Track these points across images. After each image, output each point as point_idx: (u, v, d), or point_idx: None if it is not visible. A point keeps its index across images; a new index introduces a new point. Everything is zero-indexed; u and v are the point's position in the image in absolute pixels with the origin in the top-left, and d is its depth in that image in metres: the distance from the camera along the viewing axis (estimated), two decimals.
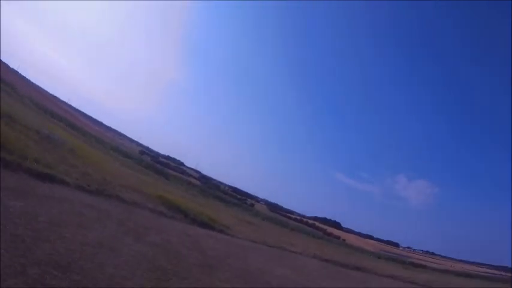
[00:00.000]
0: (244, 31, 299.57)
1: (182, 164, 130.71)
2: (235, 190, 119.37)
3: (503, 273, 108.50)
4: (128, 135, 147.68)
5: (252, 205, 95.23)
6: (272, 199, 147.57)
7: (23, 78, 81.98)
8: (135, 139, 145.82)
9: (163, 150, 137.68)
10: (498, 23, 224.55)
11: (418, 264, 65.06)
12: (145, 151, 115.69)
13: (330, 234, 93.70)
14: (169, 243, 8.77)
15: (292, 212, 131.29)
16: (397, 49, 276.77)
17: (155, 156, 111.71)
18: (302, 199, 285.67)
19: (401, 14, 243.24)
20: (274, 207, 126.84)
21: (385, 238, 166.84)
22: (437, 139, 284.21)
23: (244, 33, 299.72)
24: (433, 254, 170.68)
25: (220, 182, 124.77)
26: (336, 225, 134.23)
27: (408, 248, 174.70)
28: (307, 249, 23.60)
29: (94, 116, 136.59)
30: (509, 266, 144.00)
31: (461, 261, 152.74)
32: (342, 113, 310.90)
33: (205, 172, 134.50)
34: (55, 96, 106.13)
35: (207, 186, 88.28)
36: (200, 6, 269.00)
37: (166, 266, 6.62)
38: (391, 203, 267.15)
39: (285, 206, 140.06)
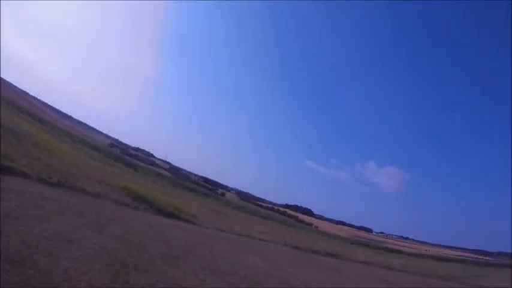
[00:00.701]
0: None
1: (152, 155, 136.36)
2: (206, 180, 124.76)
3: (479, 257, 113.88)
4: (98, 128, 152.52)
5: (223, 194, 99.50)
6: (243, 188, 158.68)
7: None
8: (105, 132, 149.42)
9: (133, 143, 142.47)
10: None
11: (393, 249, 67.33)
12: (115, 144, 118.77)
13: (301, 221, 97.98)
14: (131, 234, 8.74)
15: (263, 200, 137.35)
16: (372, 37, 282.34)
17: (125, 148, 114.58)
18: (273, 187, 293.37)
19: None
20: (245, 196, 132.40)
21: (357, 224, 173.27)
22: (408, 127, 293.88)
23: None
24: (407, 238, 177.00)
25: (190, 173, 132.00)
26: (308, 212, 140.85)
27: (381, 233, 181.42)
28: (278, 236, 23.66)
29: (64, 111, 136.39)
30: (484, 249, 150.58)
31: (436, 245, 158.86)
32: (312, 101, 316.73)
33: (175, 163, 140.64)
34: (24, 91, 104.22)
35: (177, 176, 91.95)
36: (177, 6, 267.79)
37: (126, 258, 6.66)
38: (362, 188, 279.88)
39: (256, 195, 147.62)
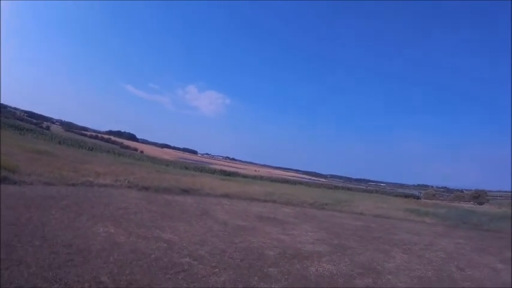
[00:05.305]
0: None
1: None
2: (31, 114, 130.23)
3: (314, 178, 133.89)
4: None
5: (48, 128, 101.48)
6: (66, 118, 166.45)
7: None
8: None
9: None
10: None
11: (230, 172, 71.31)
12: None
13: (127, 147, 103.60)
14: None
15: (86, 129, 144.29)
16: None
17: None
18: (94, 114, 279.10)
19: None
20: (69, 126, 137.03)
21: (181, 146, 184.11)
22: (224, 52, 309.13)
23: None
24: (232, 159, 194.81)
25: (16, 109, 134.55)
26: (131, 137, 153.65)
27: (207, 154, 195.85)
28: (117, 176, 20.00)
29: None
30: (315, 171, 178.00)
31: (263, 165, 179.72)
32: (128, 23, 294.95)
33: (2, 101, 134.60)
34: None
35: (2, 116, 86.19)
36: None
37: None
38: (184, 112, 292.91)
39: (79, 124, 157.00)
